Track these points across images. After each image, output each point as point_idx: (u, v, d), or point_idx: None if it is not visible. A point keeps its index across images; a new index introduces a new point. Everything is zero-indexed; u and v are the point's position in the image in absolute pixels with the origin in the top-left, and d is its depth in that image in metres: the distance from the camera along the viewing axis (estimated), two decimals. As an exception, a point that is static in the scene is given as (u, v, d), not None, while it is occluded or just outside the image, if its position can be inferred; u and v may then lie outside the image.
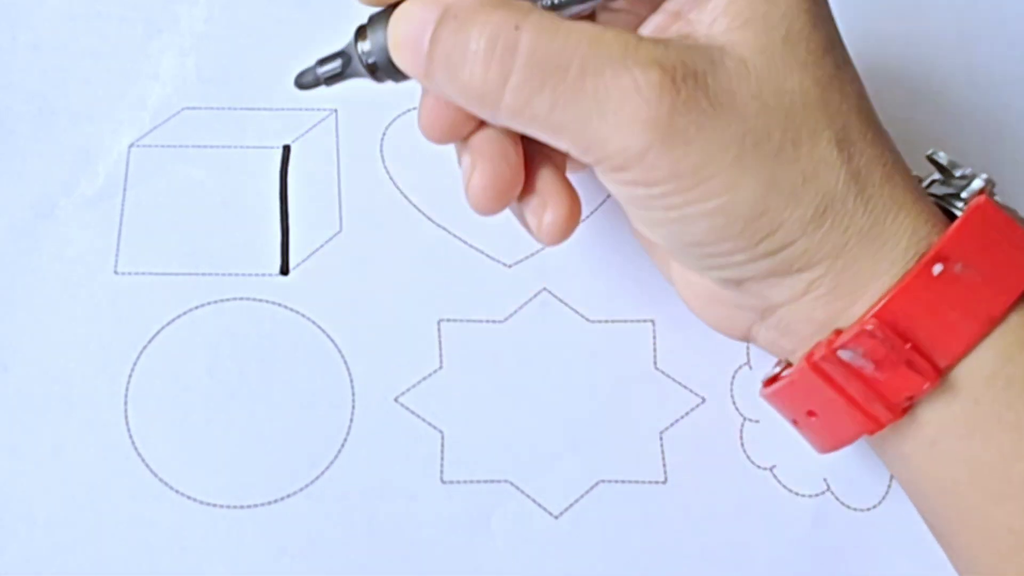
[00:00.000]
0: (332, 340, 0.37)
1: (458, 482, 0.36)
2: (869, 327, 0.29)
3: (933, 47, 0.44)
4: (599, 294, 0.38)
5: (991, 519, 0.29)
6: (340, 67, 0.31)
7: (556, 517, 0.36)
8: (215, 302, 0.37)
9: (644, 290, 0.38)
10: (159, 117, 0.40)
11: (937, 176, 0.32)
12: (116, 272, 0.38)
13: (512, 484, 0.36)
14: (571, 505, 0.36)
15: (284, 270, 0.38)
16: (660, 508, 0.36)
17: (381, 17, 0.30)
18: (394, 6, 0.29)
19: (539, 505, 0.36)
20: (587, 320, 0.38)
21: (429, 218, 0.39)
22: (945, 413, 0.29)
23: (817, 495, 0.36)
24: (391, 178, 0.40)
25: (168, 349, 0.37)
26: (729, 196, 0.28)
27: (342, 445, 0.36)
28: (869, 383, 0.29)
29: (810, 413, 0.31)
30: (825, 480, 0.37)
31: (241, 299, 0.38)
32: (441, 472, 0.36)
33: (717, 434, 0.37)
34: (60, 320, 0.37)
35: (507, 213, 0.39)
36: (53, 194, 0.38)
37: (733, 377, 0.38)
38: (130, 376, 0.36)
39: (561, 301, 0.38)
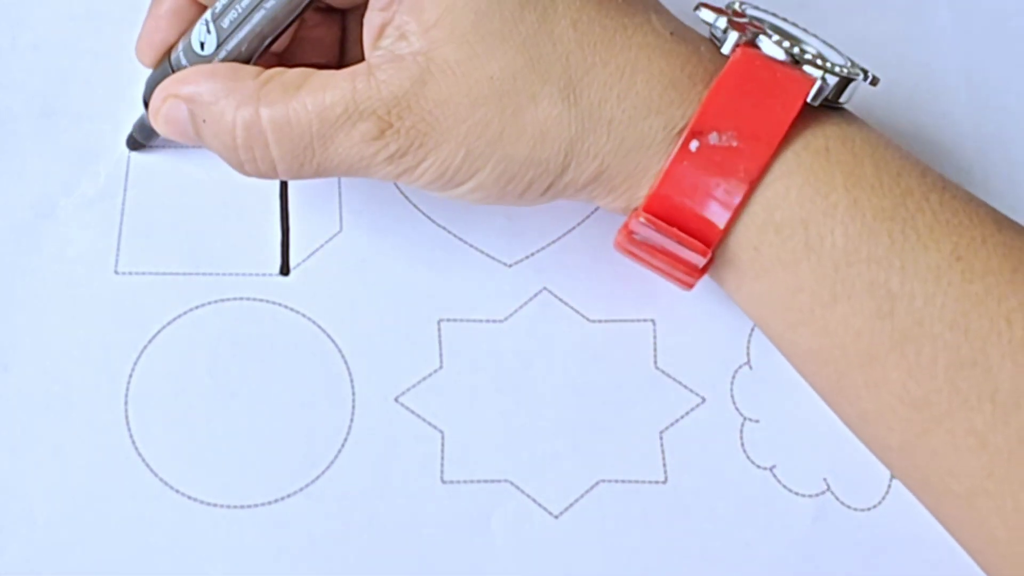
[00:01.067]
0: (332, 340, 0.37)
1: (458, 482, 0.36)
2: (641, 220, 0.32)
3: (933, 47, 0.44)
4: (599, 294, 0.38)
5: (794, 343, 0.33)
6: (146, 130, 0.38)
7: (556, 517, 0.36)
8: (215, 302, 0.37)
9: (644, 290, 0.38)
10: (159, 117, 0.40)
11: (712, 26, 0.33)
12: (116, 272, 0.38)
13: (512, 484, 0.36)
14: (571, 505, 0.36)
15: (284, 270, 0.38)
16: (660, 508, 0.36)
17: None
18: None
19: (539, 505, 0.36)
20: (587, 320, 0.38)
21: (429, 218, 0.39)
22: (736, 264, 0.32)
23: (817, 495, 0.36)
24: (391, 178, 0.40)
25: (168, 349, 0.37)
26: (474, 182, 0.32)
27: (342, 445, 0.36)
28: (667, 254, 0.33)
29: (647, 268, 0.35)
30: (825, 480, 0.37)
31: (241, 299, 0.38)
32: (441, 472, 0.36)
33: (717, 434, 0.37)
34: (60, 320, 0.37)
35: (508, 213, 0.39)
36: (54, 194, 0.38)
37: (733, 377, 0.38)
38: (130, 376, 0.36)
39: (561, 301, 0.38)
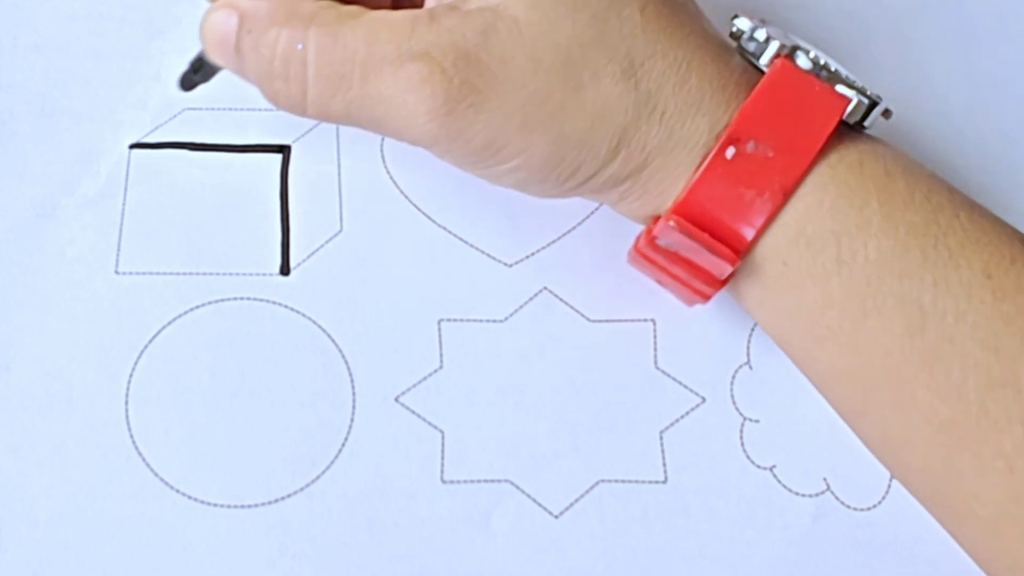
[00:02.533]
0: (333, 340, 0.37)
1: (458, 481, 0.36)
2: (671, 223, 0.31)
3: (933, 47, 0.44)
4: (599, 294, 0.38)
5: (819, 360, 0.32)
6: (200, 63, 0.34)
7: (556, 517, 0.36)
8: (216, 302, 0.38)
9: (644, 290, 0.38)
10: (160, 117, 0.40)
11: (747, 36, 0.32)
12: (117, 272, 0.38)
13: (512, 484, 0.36)
14: (571, 505, 0.36)
15: (285, 270, 0.38)
16: (660, 508, 0.36)
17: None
18: None
19: (539, 505, 0.36)
20: (587, 320, 0.38)
21: (429, 218, 0.39)
22: (762, 277, 0.32)
23: (817, 495, 0.36)
24: (391, 178, 0.40)
25: (169, 349, 0.37)
26: (524, 158, 0.31)
27: (342, 445, 0.36)
28: (689, 263, 0.32)
29: (658, 280, 0.35)
30: (825, 480, 0.37)
31: (242, 299, 0.38)
32: (441, 471, 0.36)
33: (717, 434, 0.37)
34: (61, 320, 0.37)
35: (508, 212, 0.39)
36: (54, 194, 0.39)
37: (733, 376, 0.38)
38: (131, 376, 0.36)
39: (561, 300, 0.38)
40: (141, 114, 0.40)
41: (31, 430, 0.35)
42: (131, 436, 0.36)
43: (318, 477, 0.36)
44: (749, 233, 0.31)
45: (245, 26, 0.31)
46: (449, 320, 0.38)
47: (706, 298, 0.33)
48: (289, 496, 0.35)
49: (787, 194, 0.31)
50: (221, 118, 0.40)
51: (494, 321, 0.38)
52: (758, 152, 0.31)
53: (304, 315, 0.38)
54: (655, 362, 0.38)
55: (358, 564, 0.35)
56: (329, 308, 0.38)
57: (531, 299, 0.38)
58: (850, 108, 0.31)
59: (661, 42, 0.31)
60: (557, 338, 0.38)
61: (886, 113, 0.32)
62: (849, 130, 0.32)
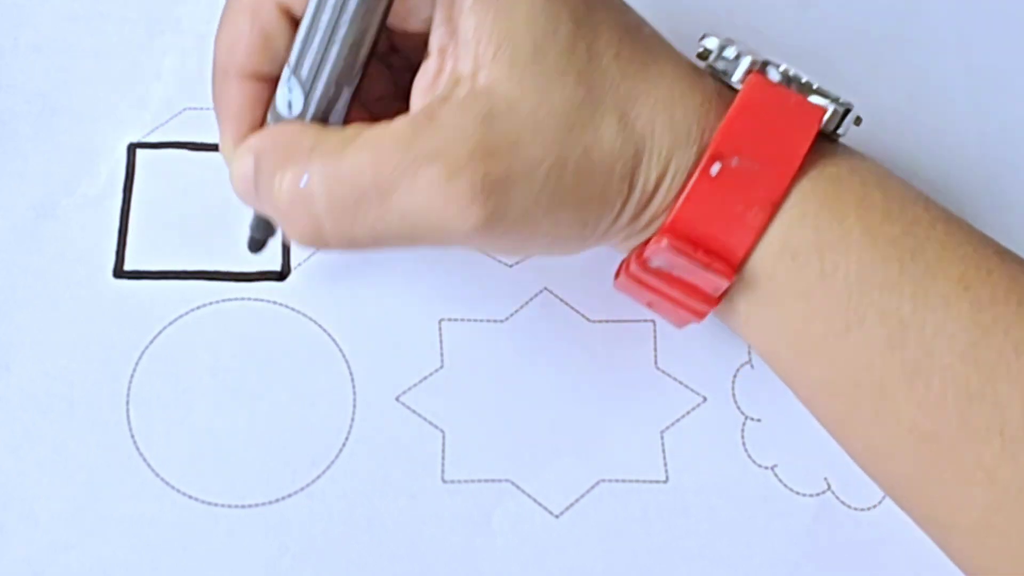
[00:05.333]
0: (333, 340, 0.37)
1: (459, 481, 0.36)
2: (663, 243, 0.31)
3: (933, 47, 0.44)
4: (600, 294, 0.38)
5: (803, 374, 0.33)
6: (256, 220, 0.36)
7: (557, 516, 0.36)
8: (216, 302, 0.38)
9: (645, 290, 0.38)
10: (161, 117, 0.40)
11: (715, 55, 0.32)
12: (118, 272, 0.38)
13: (513, 483, 0.36)
14: (572, 504, 0.36)
15: (285, 270, 0.38)
16: (661, 507, 0.36)
17: None
18: None
19: (540, 504, 0.36)
20: (588, 320, 0.38)
21: (430, 218, 0.39)
22: (752, 293, 0.32)
23: (818, 494, 0.36)
24: (392, 178, 0.40)
25: (170, 349, 0.37)
26: (555, 233, 0.31)
27: (343, 444, 0.36)
28: (682, 283, 0.32)
29: (649, 303, 0.34)
30: (826, 479, 0.37)
31: (242, 299, 0.38)
32: (442, 471, 0.36)
33: (718, 433, 0.37)
34: (62, 320, 0.37)
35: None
36: (55, 194, 0.38)
37: (734, 376, 0.38)
38: (132, 376, 0.36)
39: (562, 301, 0.38)
40: (141, 114, 0.40)
41: (31, 430, 0.35)
42: (132, 436, 0.36)
43: (318, 477, 0.36)
44: (742, 246, 0.31)
45: (257, 168, 0.31)
46: (450, 320, 0.38)
47: (700, 317, 0.33)
48: (289, 496, 0.35)
49: (776, 206, 0.31)
50: (222, 118, 0.40)
51: (495, 321, 0.38)
52: (743, 166, 0.30)
53: (305, 315, 0.38)
54: (655, 362, 0.38)
55: (358, 564, 0.35)
56: (330, 308, 0.38)
57: (531, 299, 0.38)
58: (826, 117, 0.31)
59: (640, 83, 0.31)
60: (557, 338, 0.38)
61: (857, 120, 0.32)
62: (827, 141, 0.32)
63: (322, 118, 0.31)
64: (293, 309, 0.38)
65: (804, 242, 0.31)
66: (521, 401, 0.37)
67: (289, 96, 0.31)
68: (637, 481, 0.36)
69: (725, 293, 0.32)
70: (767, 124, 0.31)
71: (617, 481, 0.36)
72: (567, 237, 0.32)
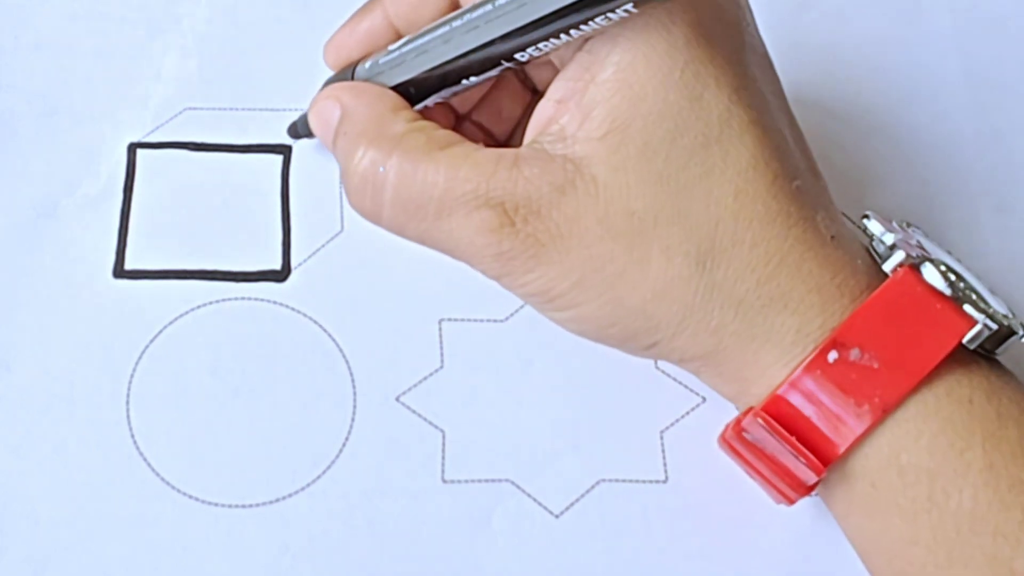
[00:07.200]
0: (333, 339, 0.37)
1: (459, 481, 0.36)
2: (759, 420, 0.29)
3: (933, 48, 0.44)
4: (600, 294, 0.38)
5: None
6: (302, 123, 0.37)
7: (557, 516, 0.36)
8: (217, 302, 0.38)
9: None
10: (161, 117, 0.40)
11: (876, 239, 0.31)
12: (118, 272, 0.38)
13: (513, 483, 0.36)
14: (572, 504, 0.36)
15: (285, 270, 0.38)
16: (660, 507, 0.36)
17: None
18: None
19: (540, 504, 0.36)
20: (588, 320, 0.38)
21: (430, 218, 0.39)
22: (849, 493, 0.30)
23: (818, 494, 0.36)
24: (392, 178, 0.40)
25: (170, 349, 0.37)
26: (574, 312, 0.30)
27: (343, 444, 0.36)
28: (775, 463, 0.30)
29: (747, 473, 0.32)
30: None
31: (242, 299, 0.38)
32: (442, 471, 0.36)
33: (718, 433, 0.37)
34: (62, 320, 0.37)
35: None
36: (55, 194, 0.39)
37: (734, 376, 0.38)
38: (132, 376, 0.36)
39: (562, 301, 0.38)
40: (142, 114, 0.40)
41: (32, 430, 0.35)
42: (132, 436, 0.36)
43: (318, 477, 0.36)
44: (842, 445, 0.29)
45: (342, 126, 0.31)
46: (450, 320, 0.38)
47: (791, 501, 0.31)
48: (289, 496, 0.35)
49: (887, 411, 0.29)
50: (222, 118, 0.40)
51: (495, 321, 0.38)
52: (862, 361, 0.29)
53: (305, 315, 0.38)
54: (655, 362, 0.38)
55: (358, 564, 0.35)
56: (330, 308, 0.38)
57: (532, 299, 0.38)
58: (972, 332, 0.29)
59: (752, 232, 0.29)
60: (557, 338, 0.38)
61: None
62: (973, 356, 0.30)
63: (414, 95, 0.32)
64: (293, 309, 0.38)
65: (916, 462, 0.29)
66: (521, 401, 0.37)
67: (398, 57, 0.32)
68: (637, 481, 0.36)
69: (817, 484, 0.30)
70: (903, 324, 0.29)
71: (617, 481, 0.36)
72: (594, 327, 0.31)
